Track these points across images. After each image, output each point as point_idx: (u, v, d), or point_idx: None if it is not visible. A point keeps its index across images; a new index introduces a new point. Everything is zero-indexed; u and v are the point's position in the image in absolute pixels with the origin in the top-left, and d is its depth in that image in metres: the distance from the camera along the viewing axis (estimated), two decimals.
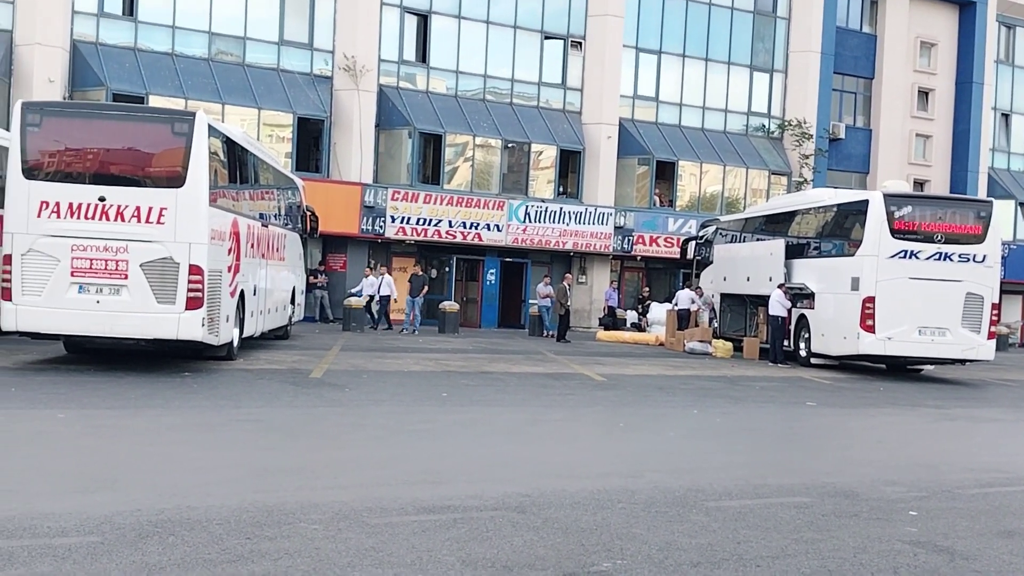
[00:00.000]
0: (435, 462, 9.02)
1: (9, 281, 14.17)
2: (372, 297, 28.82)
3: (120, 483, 7.48)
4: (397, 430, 10.99)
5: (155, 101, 27.72)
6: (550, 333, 29.03)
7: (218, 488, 7.41)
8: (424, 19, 33.06)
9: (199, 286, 14.33)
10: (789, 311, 22.86)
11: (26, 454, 8.63)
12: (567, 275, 29.87)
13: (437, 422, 11.67)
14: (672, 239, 34.79)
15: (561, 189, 34.60)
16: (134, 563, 5.43)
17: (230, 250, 16.01)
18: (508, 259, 33.72)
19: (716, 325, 27.49)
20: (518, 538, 6.38)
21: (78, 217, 14.14)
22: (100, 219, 14.15)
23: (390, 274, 29.49)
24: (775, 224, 25.35)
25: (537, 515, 7.02)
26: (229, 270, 15.96)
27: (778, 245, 23.90)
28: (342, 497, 7.22)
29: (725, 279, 27.33)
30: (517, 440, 10.86)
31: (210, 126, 14.89)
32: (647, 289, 35.66)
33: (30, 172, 14.27)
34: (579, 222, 33.47)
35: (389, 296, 28.77)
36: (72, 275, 14.13)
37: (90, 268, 14.13)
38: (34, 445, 9.08)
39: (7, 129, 19.35)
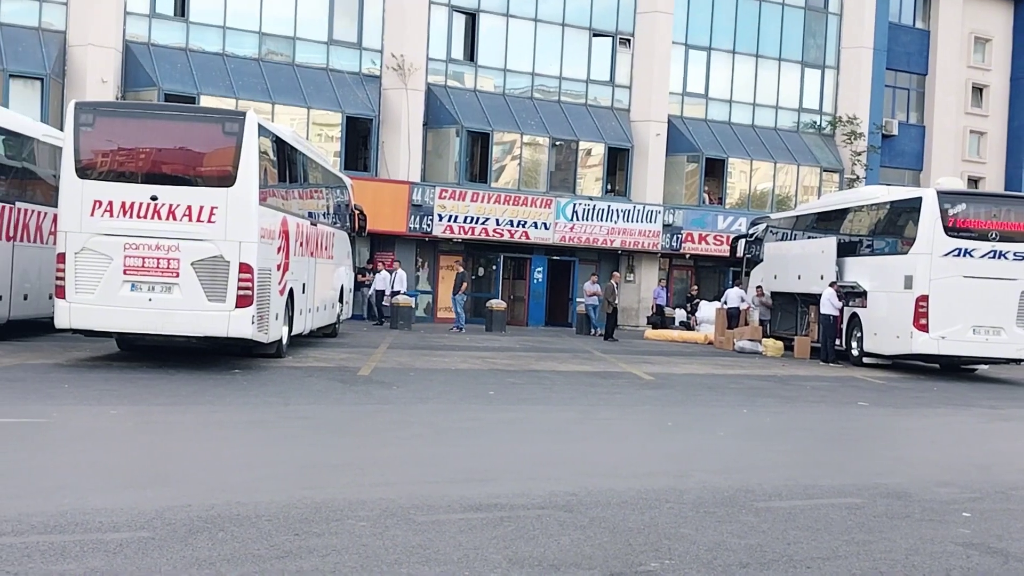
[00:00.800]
0: (482, 460, 9.02)
1: (63, 279, 14.35)
2: (383, 292, 29.06)
3: (171, 479, 7.56)
4: (444, 428, 11.00)
5: (206, 101, 28.01)
6: (598, 331, 28.96)
7: (267, 484, 7.46)
8: (472, 17, 33.10)
9: (249, 284, 14.44)
10: (841, 310, 22.60)
11: (79, 450, 8.74)
12: (615, 273, 29.77)
13: (484, 420, 11.67)
14: (721, 237, 34.53)
15: (609, 187, 34.49)
16: (184, 558, 5.48)
17: (279, 248, 16.13)
18: (555, 257, 33.67)
19: (767, 323, 27.24)
20: (565, 537, 6.35)
21: (130, 216, 14.29)
22: (152, 218, 14.30)
23: (403, 270, 29.70)
24: (827, 222, 25.08)
25: (584, 514, 6.98)
26: (278, 268, 16.08)
27: (830, 243, 23.64)
28: (389, 494, 7.24)
29: (775, 277, 27.07)
30: (564, 439, 10.82)
31: (260, 126, 15.00)
32: (696, 287, 35.46)
33: (83, 171, 14.44)
34: (627, 220, 33.32)
35: (399, 292, 28.88)
36: (125, 273, 14.28)
37: (142, 266, 14.28)
38: (87, 441, 9.20)
39: (61, 129, 19.68)
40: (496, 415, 12.17)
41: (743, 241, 30.60)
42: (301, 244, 17.95)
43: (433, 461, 8.88)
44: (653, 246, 34.03)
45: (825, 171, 36.99)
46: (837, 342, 22.81)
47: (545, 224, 32.18)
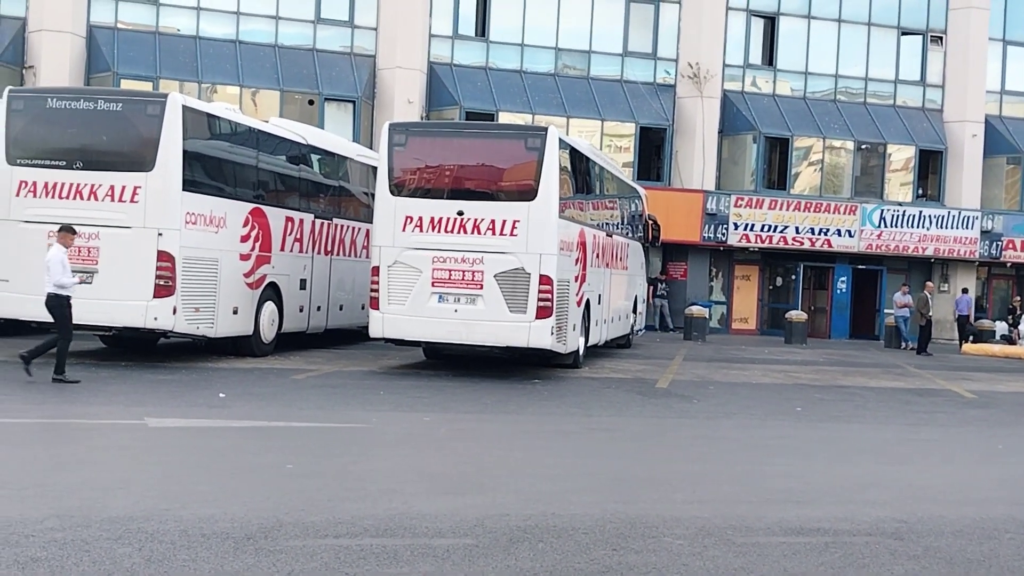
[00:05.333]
0: (796, 480, 8.61)
1: (377, 291, 15.07)
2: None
3: (487, 487, 7.68)
4: (751, 444, 10.66)
5: (504, 117, 28.83)
6: (909, 345, 27.42)
7: (578, 496, 7.43)
8: (771, 21, 32.27)
9: (549, 296, 14.61)
10: None
11: (400, 455, 9.10)
12: (927, 283, 28.17)
13: (793, 438, 11.20)
14: None
15: (920, 191, 32.65)
16: (508, 567, 5.52)
17: (577, 260, 16.25)
18: (861, 266, 32.18)
19: None
20: (898, 567, 5.94)
21: (438, 231, 14.82)
22: (458, 232, 14.77)
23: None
24: None
25: (916, 543, 6.52)
26: (576, 280, 16.19)
27: None
28: (703, 512, 7.03)
29: None
30: (884, 460, 10.19)
31: (560, 140, 15.19)
32: (1018, 298, 32.82)
33: (396, 189, 15.14)
34: (940, 226, 31.33)
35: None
36: (433, 285, 14.80)
37: (449, 279, 14.77)
38: (406, 446, 9.57)
39: (371, 148, 20.80)
40: (806, 432, 11.65)
41: None
42: (597, 255, 18.03)
43: (745, 479, 8.57)
44: (970, 254, 31.83)
45: None
46: None
47: (849, 231, 30.78)
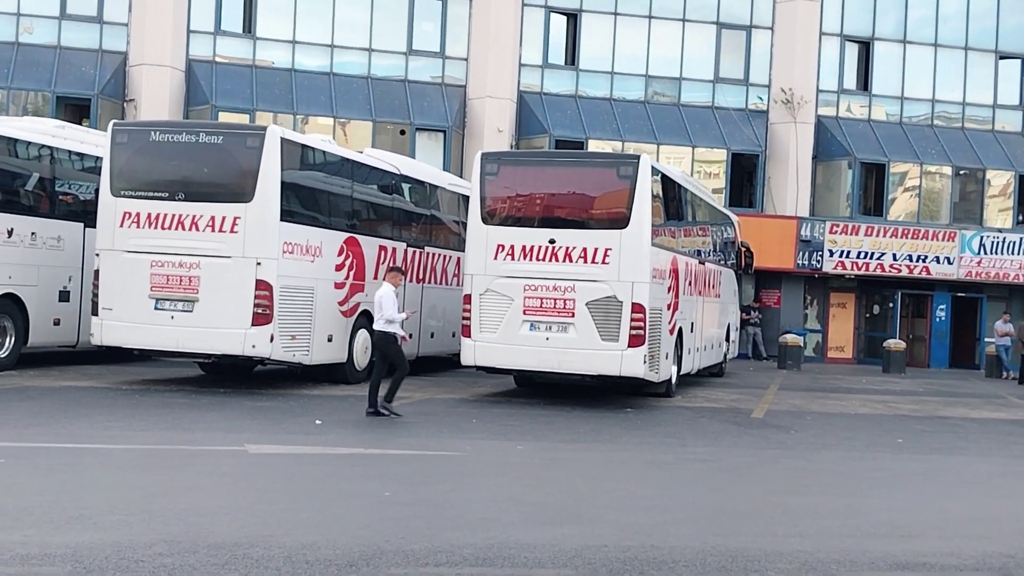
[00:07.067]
0: (900, 514, 8.40)
1: (469, 319, 15.13)
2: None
3: (584, 517, 7.63)
4: (852, 477, 10.43)
5: (594, 145, 28.85)
6: (1010, 375, 26.60)
7: (677, 528, 7.35)
8: (866, 46, 31.83)
9: (641, 324, 14.52)
10: None
11: (496, 484, 9.11)
12: None
13: (895, 470, 10.93)
14: None
15: (1020, 217, 31.76)
16: None
17: (669, 288, 16.15)
18: (960, 294, 31.39)
19: None
20: None
21: (530, 259, 14.84)
22: (550, 260, 14.77)
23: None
24: None
25: None
26: (668, 308, 16.08)
27: None
28: (805, 546, 6.90)
29: None
30: (989, 493, 9.90)
31: (652, 167, 15.14)
32: None
33: (488, 217, 15.22)
34: None
35: None
36: (524, 313, 14.81)
37: (540, 307, 14.76)
38: (502, 475, 9.57)
39: (461, 177, 20.95)
40: (908, 465, 11.36)
41: None
42: (689, 283, 17.89)
43: (847, 512, 8.37)
44: None
45: None
46: None
47: (948, 258, 30.06)
